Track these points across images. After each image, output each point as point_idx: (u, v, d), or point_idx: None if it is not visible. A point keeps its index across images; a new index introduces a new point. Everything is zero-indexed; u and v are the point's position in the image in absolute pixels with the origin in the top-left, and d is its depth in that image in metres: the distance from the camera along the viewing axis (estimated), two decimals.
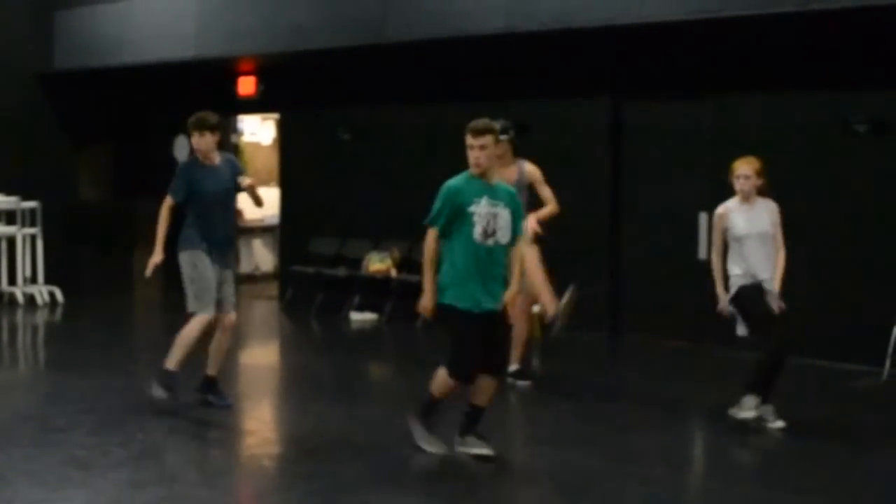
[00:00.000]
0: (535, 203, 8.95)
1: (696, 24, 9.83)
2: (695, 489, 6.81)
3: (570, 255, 11.31)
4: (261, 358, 11.50)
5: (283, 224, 14.79)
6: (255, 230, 16.56)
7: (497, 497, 6.53)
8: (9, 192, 13.89)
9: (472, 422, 6.85)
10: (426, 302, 6.72)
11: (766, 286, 7.60)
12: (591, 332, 11.45)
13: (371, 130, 13.45)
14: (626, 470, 6.78)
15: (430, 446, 6.88)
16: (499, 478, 6.70)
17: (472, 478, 6.63)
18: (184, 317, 8.08)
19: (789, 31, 10.00)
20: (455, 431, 6.91)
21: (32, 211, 14.03)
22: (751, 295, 7.62)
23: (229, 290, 8.12)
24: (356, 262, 13.17)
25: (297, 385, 9.83)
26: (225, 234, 8.12)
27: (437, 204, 6.68)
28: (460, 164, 6.76)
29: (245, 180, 8.08)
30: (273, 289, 15.07)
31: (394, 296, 12.55)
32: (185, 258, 8.00)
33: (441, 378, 6.74)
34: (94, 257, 14.99)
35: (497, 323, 6.69)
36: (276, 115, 15.70)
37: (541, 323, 9.11)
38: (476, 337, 6.62)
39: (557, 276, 10.41)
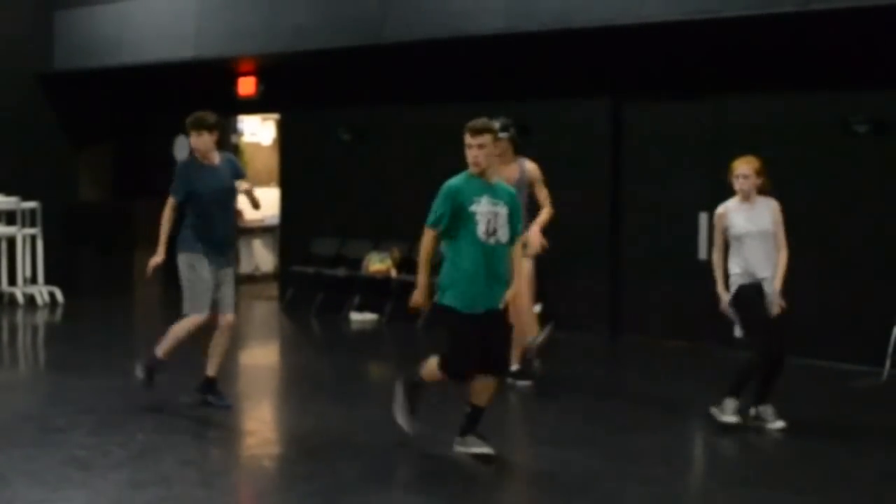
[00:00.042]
0: (531, 203, 8.94)
1: (696, 24, 9.83)
2: (695, 489, 6.82)
3: (570, 255, 11.33)
4: (261, 358, 11.50)
5: (284, 224, 14.79)
6: (256, 230, 16.56)
7: (497, 497, 6.53)
8: (9, 193, 13.90)
9: (472, 421, 6.86)
10: (417, 297, 6.78)
11: (766, 285, 7.60)
12: (591, 332, 11.46)
13: (371, 130, 13.45)
14: (626, 470, 6.78)
15: (402, 419, 6.97)
16: (499, 478, 6.71)
17: (473, 478, 6.63)
18: (179, 317, 8.11)
19: (789, 31, 10.00)
20: (455, 432, 6.92)
21: (32, 211, 14.03)
22: (748, 297, 7.62)
23: (228, 290, 8.11)
24: (356, 263, 13.17)
25: (297, 385, 9.83)
26: (224, 234, 8.12)
27: (436, 205, 6.69)
28: (460, 164, 6.77)
29: (242, 185, 8.08)
30: (273, 289, 15.07)
31: (394, 296, 12.54)
32: (182, 260, 8.02)
33: (431, 367, 6.79)
34: (94, 257, 15.00)
35: (497, 322, 6.69)
36: (276, 116, 15.70)
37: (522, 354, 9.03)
38: (473, 339, 6.64)
39: (556, 276, 10.45)
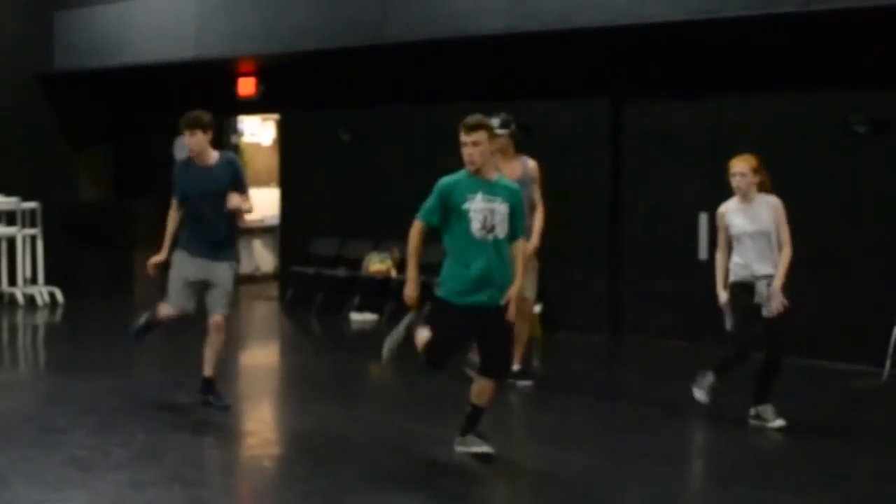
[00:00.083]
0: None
1: (696, 24, 9.82)
2: (695, 489, 6.82)
3: (570, 255, 11.34)
4: (261, 358, 11.50)
5: (284, 224, 14.79)
6: (256, 231, 16.56)
7: (497, 497, 6.54)
8: (9, 193, 13.90)
9: (473, 421, 6.86)
10: (409, 291, 6.75)
11: (759, 284, 7.59)
12: (591, 332, 11.46)
13: (371, 130, 13.45)
14: (626, 470, 6.78)
15: (387, 348, 7.17)
16: (499, 478, 6.71)
17: (473, 478, 6.63)
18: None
19: (789, 31, 10.00)
20: (456, 432, 6.93)
21: (32, 211, 14.03)
22: (737, 293, 7.66)
23: (217, 292, 8.01)
24: (356, 263, 13.18)
25: (297, 385, 9.83)
26: (214, 234, 8.01)
27: (428, 200, 6.69)
28: (460, 163, 6.75)
29: (233, 200, 7.93)
30: (273, 289, 15.07)
31: (394, 296, 12.52)
32: (173, 256, 8.13)
33: (420, 340, 6.83)
34: (94, 257, 14.99)
35: (496, 320, 6.62)
36: (276, 116, 15.70)
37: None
38: (458, 333, 6.72)
39: (557, 276, 10.45)
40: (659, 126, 11.32)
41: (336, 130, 13.68)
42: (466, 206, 6.57)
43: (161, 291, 8.36)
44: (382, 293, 12.70)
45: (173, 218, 8.15)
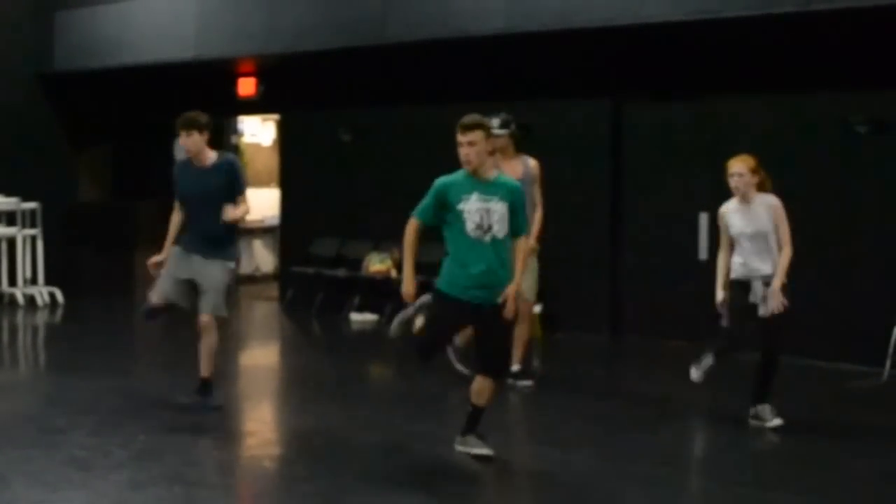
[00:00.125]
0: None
1: (696, 24, 9.83)
2: (695, 489, 6.82)
3: (570, 255, 11.34)
4: (261, 359, 11.50)
5: (284, 225, 14.79)
6: (256, 231, 16.57)
7: (497, 497, 6.53)
8: (9, 193, 13.90)
9: (473, 421, 6.85)
10: (406, 287, 6.73)
11: (756, 284, 7.59)
12: (591, 332, 11.46)
13: (371, 131, 13.46)
14: (626, 470, 6.78)
15: (396, 323, 7.27)
16: (499, 478, 6.71)
17: (473, 478, 6.63)
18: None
19: (789, 31, 10.00)
20: (455, 432, 6.93)
21: (33, 212, 14.03)
22: (734, 291, 7.67)
23: (207, 292, 7.95)
24: (356, 263, 13.18)
25: (297, 386, 9.82)
26: (211, 234, 7.97)
27: (426, 197, 6.70)
28: (460, 164, 6.75)
29: (226, 214, 7.87)
30: (273, 289, 15.07)
31: (394, 297, 12.50)
32: (171, 252, 8.15)
33: (417, 325, 6.94)
34: (94, 258, 14.99)
35: (491, 320, 6.60)
36: (276, 116, 15.70)
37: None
38: (450, 324, 6.77)
39: (556, 277, 10.43)
40: (659, 126, 11.32)
41: (336, 130, 13.68)
42: (461, 206, 6.56)
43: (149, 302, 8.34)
44: (382, 293, 12.70)
45: (175, 219, 8.17)
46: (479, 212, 6.54)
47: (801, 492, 6.39)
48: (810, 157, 10.19)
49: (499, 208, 6.57)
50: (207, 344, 8.03)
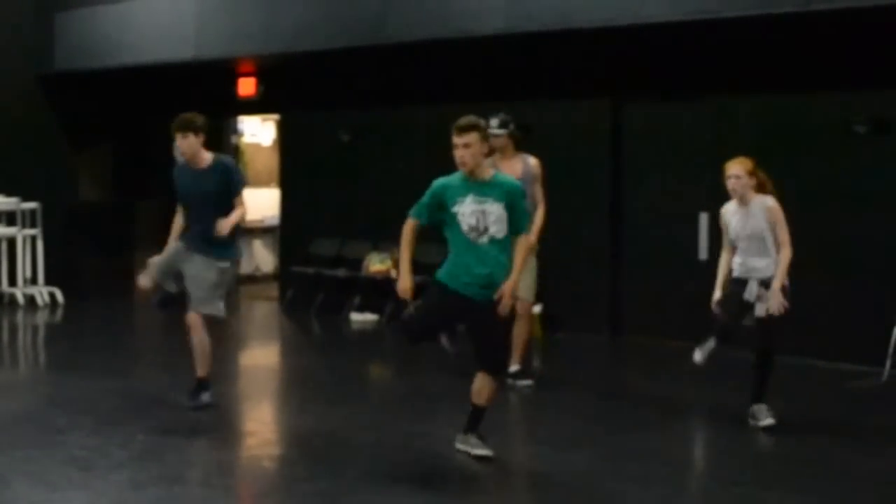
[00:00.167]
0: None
1: (696, 24, 9.82)
2: (695, 489, 6.82)
3: (570, 255, 11.34)
4: (261, 359, 11.50)
5: (284, 225, 14.79)
6: (256, 231, 16.56)
7: (497, 497, 6.53)
8: (9, 193, 13.90)
9: (474, 420, 6.86)
10: (403, 284, 6.75)
11: (752, 284, 7.59)
12: (591, 332, 11.46)
13: (371, 131, 13.45)
14: (626, 470, 6.78)
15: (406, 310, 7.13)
16: (499, 478, 6.70)
17: (473, 478, 6.63)
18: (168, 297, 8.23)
19: (789, 32, 10.00)
20: (455, 432, 6.93)
21: (33, 212, 14.03)
22: (734, 289, 7.69)
23: (195, 289, 7.96)
24: (356, 263, 13.17)
25: (297, 386, 9.82)
26: (207, 234, 7.95)
27: (423, 197, 6.71)
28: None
29: (220, 228, 7.85)
30: (273, 289, 15.07)
31: (394, 297, 12.50)
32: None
33: (410, 309, 6.92)
34: (95, 258, 14.99)
35: (485, 316, 6.58)
36: (276, 116, 15.70)
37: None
38: (442, 312, 6.76)
39: (556, 277, 10.44)
40: (659, 126, 11.32)
41: (336, 130, 13.67)
42: (455, 209, 6.56)
43: (161, 290, 8.34)
44: (382, 293, 12.68)
45: (178, 221, 8.19)
46: (473, 214, 6.54)
47: (801, 491, 6.39)
48: (810, 157, 10.19)
49: (495, 209, 6.55)
50: (197, 341, 8.01)
